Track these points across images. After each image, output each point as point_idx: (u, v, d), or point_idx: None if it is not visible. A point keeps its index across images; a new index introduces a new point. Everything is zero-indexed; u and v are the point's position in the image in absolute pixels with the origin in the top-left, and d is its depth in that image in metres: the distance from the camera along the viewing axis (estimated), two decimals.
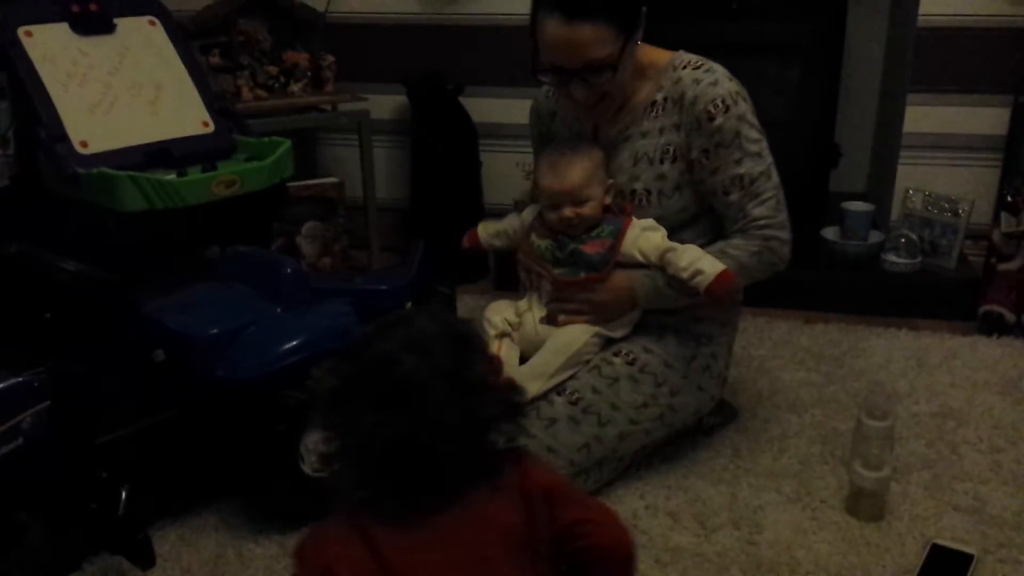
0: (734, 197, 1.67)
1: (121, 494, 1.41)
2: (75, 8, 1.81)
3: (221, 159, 1.85)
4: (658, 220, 1.71)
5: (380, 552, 1.01)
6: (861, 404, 1.71)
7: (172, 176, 1.71)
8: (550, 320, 1.76)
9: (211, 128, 1.91)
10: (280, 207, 1.98)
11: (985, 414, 1.98)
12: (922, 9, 2.50)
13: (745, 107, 1.67)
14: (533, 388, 1.68)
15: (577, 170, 1.70)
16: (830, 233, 2.67)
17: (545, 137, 1.90)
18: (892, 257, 2.57)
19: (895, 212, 2.66)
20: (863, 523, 1.62)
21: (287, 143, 1.88)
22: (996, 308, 2.39)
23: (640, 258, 1.69)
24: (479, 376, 1.06)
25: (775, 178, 1.69)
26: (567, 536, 1.04)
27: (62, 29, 1.80)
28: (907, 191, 2.62)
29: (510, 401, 1.09)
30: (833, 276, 2.62)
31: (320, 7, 2.89)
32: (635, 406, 1.71)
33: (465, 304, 2.39)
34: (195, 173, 1.74)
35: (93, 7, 1.83)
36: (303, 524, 1.46)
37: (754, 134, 1.67)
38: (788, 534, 1.60)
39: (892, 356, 2.27)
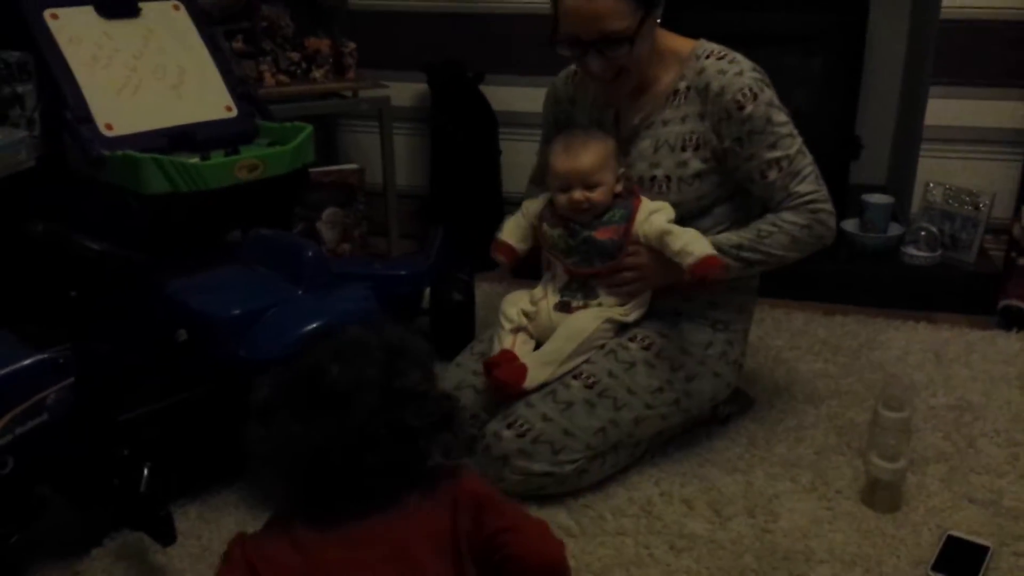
0: (774, 178, 1.69)
1: (143, 471, 1.43)
2: None
3: (244, 143, 1.87)
4: (675, 206, 1.71)
5: (306, 552, 1.04)
6: (878, 395, 1.71)
7: (196, 160, 1.72)
8: (563, 307, 1.76)
9: (234, 113, 1.92)
10: (302, 191, 1.99)
11: (1003, 407, 1.98)
12: (945, 1, 2.48)
13: (770, 93, 1.69)
14: (544, 375, 1.69)
15: (591, 152, 1.70)
16: (850, 225, 2.65)
17: (560, 123, 1.90)
18: (912, 250, 2.56)
19: (915, 205, 2.64)
20: (879, 514, 1.62)
21: (309, 128, 1.89)
22: (1016, 302, 2.37)
23: (644, 241, 1.70)
24: (409, 386, 1.08)
25: (809, 155, 1.71)
26: (490, 544, 1.05)
27: (87, 12, 1.81)
28: (928, 184, 2.61)
29: (442, 411, 1.11)
30: (852, 268, 2.61)
31: None
32: (651, 391, 1.72)
33: (483, 291, 2.39)
34: (218, 157, 1.75)
35: None
36: None
37: (783, 117, 1.69)
38: (803, 523, 1.60)
39: (910, 349, 2.26)
